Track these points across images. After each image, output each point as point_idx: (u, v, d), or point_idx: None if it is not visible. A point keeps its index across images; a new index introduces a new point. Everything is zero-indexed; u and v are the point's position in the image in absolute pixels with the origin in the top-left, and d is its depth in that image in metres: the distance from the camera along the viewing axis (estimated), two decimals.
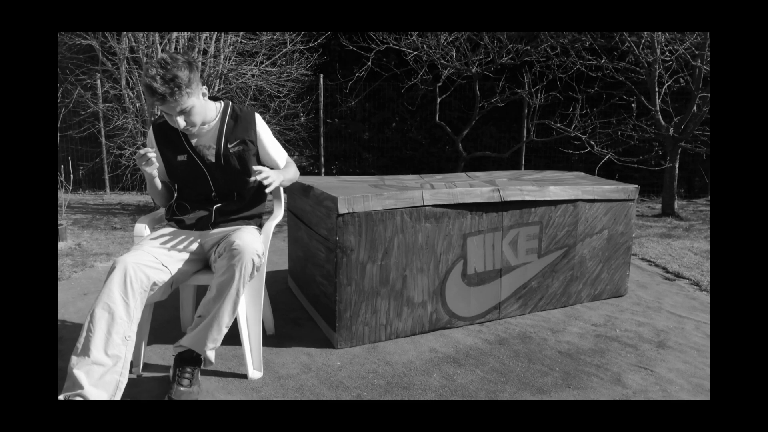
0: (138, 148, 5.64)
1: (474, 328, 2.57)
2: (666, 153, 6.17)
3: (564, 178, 3.10)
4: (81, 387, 1.61)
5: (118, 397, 1.69)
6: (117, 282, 1.74)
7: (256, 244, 1.87)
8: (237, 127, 2.05)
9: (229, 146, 2.03)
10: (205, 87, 1.97)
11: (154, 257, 1.87)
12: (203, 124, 2.00)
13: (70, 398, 1.61)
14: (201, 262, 2.09)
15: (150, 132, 2.10)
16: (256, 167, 1.89)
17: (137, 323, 1.78)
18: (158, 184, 2.06)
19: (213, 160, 2.03)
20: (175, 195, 2.14)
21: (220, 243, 1.99)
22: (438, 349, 2.34)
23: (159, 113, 5.40)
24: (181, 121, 1.89)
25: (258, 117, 2.12)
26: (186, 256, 1.99)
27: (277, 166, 2.16)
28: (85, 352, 1.66)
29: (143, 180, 7.09)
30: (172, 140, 2.04)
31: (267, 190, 1.95)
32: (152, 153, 1.88)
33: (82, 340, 1.68)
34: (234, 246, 1.83)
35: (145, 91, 1.84)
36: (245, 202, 2.13)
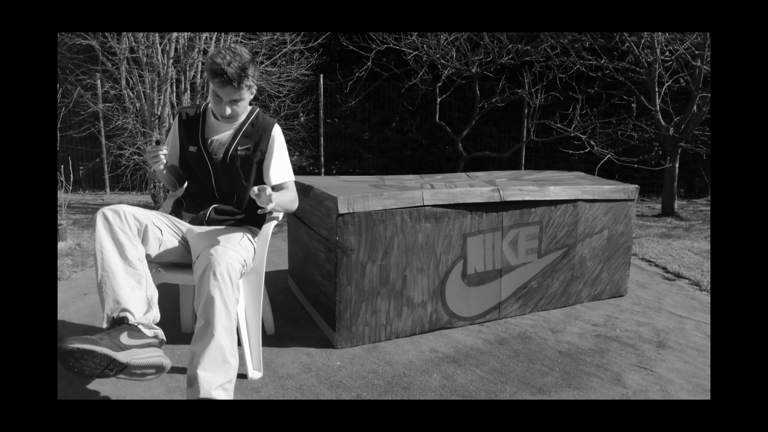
0: (138, 148, 5.64)
1: (474, 328, 2.57)
2: (666, 153, 6.17)
3: (564, 178, 3.10)
4: (119, 302, 1.66)
5: (155, 309, 1.75)
6: (103, 228, 1.73)
7: (229, 254, 1.77)
8: (253, 132, 2.08)
9: (239, 148, 2.06)
10: (255, 88, 2.02)
11: (142, 212, 1.85)
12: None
13: (114, 318, 1.65)
14: (187, 253, 2.04)
15: (176, 118, 2.15)
16: (258, 187, 1.79)
17: (144, 256, 1.79)
18: (165, 175, 2.12)
19: (220, 158, 2.06)
20: (185, 186, 2.18)
21: (198, 255, 1.86)
22: (438, 349, 2.34)
23: (169, 105, 5.40)
24: (228, 109, 1.95)
25: (276, 129, 2.12)
26: (177, 236, 2.00)
27: (269, 182, 2.09)
28: (108, 284, 1.68)
29: (143, 180, 7.09)
30: (191, 130, 2.09)
31: (258, 211, 1.84)
32: (163, 151, 1.90)
33: (99, 278, 1.69)
34: (206, 264, 1.74)
35: (212, 71, 1.87)
36: (244, 207, 2.12)
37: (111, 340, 1.57)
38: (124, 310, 1.67)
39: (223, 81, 1.87)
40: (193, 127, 2.09)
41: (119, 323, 1.65)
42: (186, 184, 2.21)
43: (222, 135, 2.08)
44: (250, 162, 2.07)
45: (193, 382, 1.66)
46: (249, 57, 1.91)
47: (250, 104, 2.13)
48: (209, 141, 2.07)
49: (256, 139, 2.08)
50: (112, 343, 1.56)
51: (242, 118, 2.09)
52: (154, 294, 1.78)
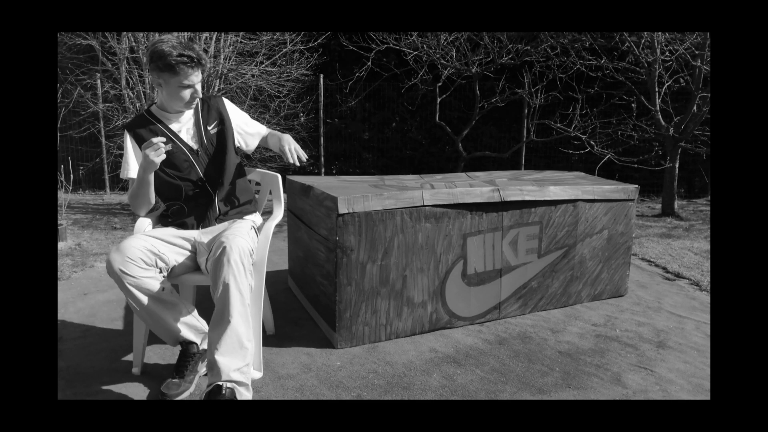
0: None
1: (474, 328, 2.57)
2: (666, 153, 6.17)
3: (564, 178, 3.10)
4: (176, 337, 1.97)
5: (201, 322, 2.04)
6: (128, 284, 1.81)
7: (241, 242, 1.81)
8: (211, 110, 2.11)
9: (209, 128, 2.08)
10: None
11: (146, 248, 1.86)
12: (179, 112, 2.04)
13: (180, 343, 2.00)
14: (194, 263, 2.07)
15: (126, 137, 2.02)
16: (284, 151, 2.05)
17: (170, 286, 1.95)
18: (152, 180, 1.97)
19: (196, 146, 2.05)
20: (184, 196, 2.09)
21: (211, 248, 1.92)
22: (438, 349, 2.34)
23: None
24: (199, 89, 1.98)
25: (225, 99, 2.18)
26: (184, 251, 2.01)
27: (259, 134, 2.23)
28: (158, 328, 1.95)
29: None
30: (153, 134, 1.99)
31: (298, 162, 2.05)
32: (166, 146, 1.87)
33: (148, 325, 1.95)
34: (220, 251, 1.78)
35: (176, 63, 1.87)
36: (235, 186, 2.13)
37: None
38: (185, 342, 1.98)
39: (192, 65, 1.89)
40: (151, 131, 2.00)
41: (188, 344, 1.98)
42: (168, 198, 2.13)
43: (183, 126, 2.05)
44: (225, 136, 2.10)
45: (213, 367, 1.73)
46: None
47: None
48: (178, 134, 2.03)
49: (217, 116, 2.11)
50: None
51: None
52: (193, 309, 2.02)
